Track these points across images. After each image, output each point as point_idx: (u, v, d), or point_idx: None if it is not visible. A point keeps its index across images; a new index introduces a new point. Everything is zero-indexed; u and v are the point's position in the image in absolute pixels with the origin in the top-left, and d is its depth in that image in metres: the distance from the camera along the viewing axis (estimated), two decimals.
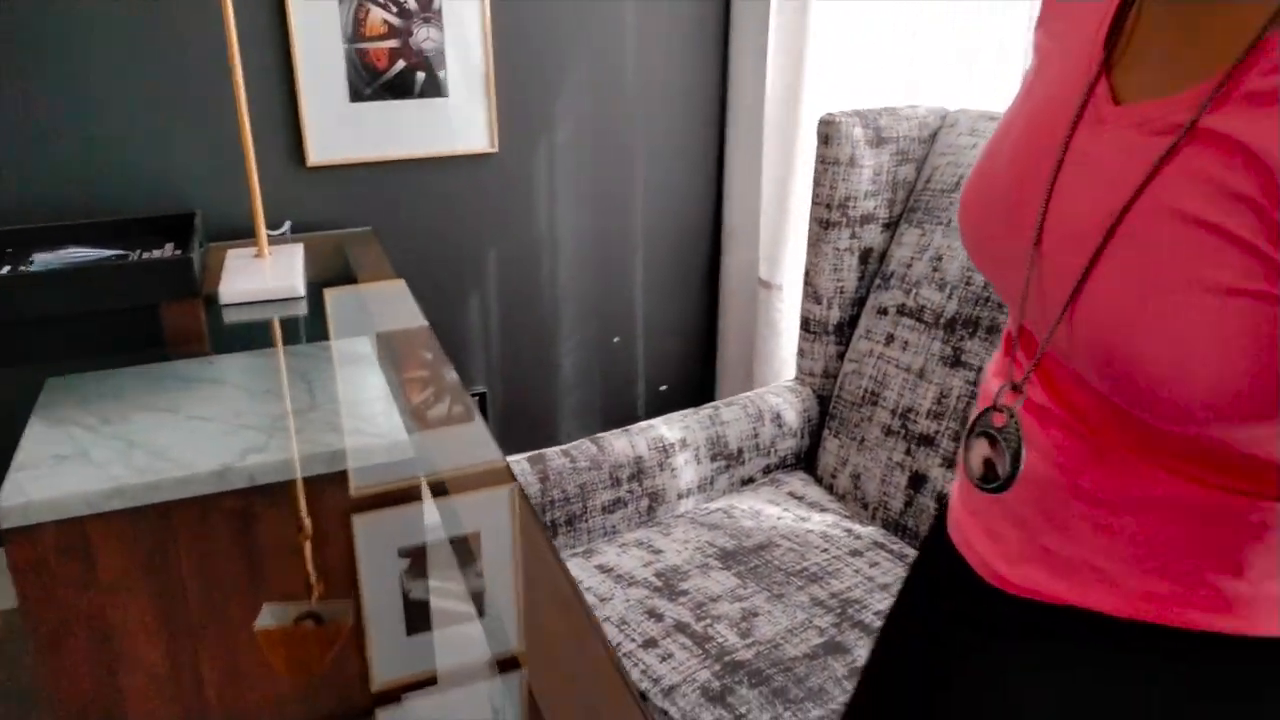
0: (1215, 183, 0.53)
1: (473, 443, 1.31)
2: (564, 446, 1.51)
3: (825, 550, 1.43)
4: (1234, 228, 0.52)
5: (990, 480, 0.67)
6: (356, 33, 1.91)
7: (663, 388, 2.44)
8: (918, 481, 1.47)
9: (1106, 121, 0.62)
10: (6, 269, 1.58)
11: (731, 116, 2.29)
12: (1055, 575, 0.68)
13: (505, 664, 0.94)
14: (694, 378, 2.47)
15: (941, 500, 1.44)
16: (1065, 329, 0.61)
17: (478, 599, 1.08)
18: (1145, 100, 0.59)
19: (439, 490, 1.22)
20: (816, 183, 1.64)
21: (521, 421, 2.29)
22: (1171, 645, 0.64)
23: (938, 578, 0.80)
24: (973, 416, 0.70)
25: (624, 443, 1.53)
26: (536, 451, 1.51)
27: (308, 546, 1.27)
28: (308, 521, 1.30)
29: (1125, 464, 0.63)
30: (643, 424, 1.53)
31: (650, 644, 1.25)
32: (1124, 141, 0.60)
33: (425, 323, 1.57)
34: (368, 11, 1.91)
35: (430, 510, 1.20)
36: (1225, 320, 0.52)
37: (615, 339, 2.36)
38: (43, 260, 1.63)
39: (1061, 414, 0.65)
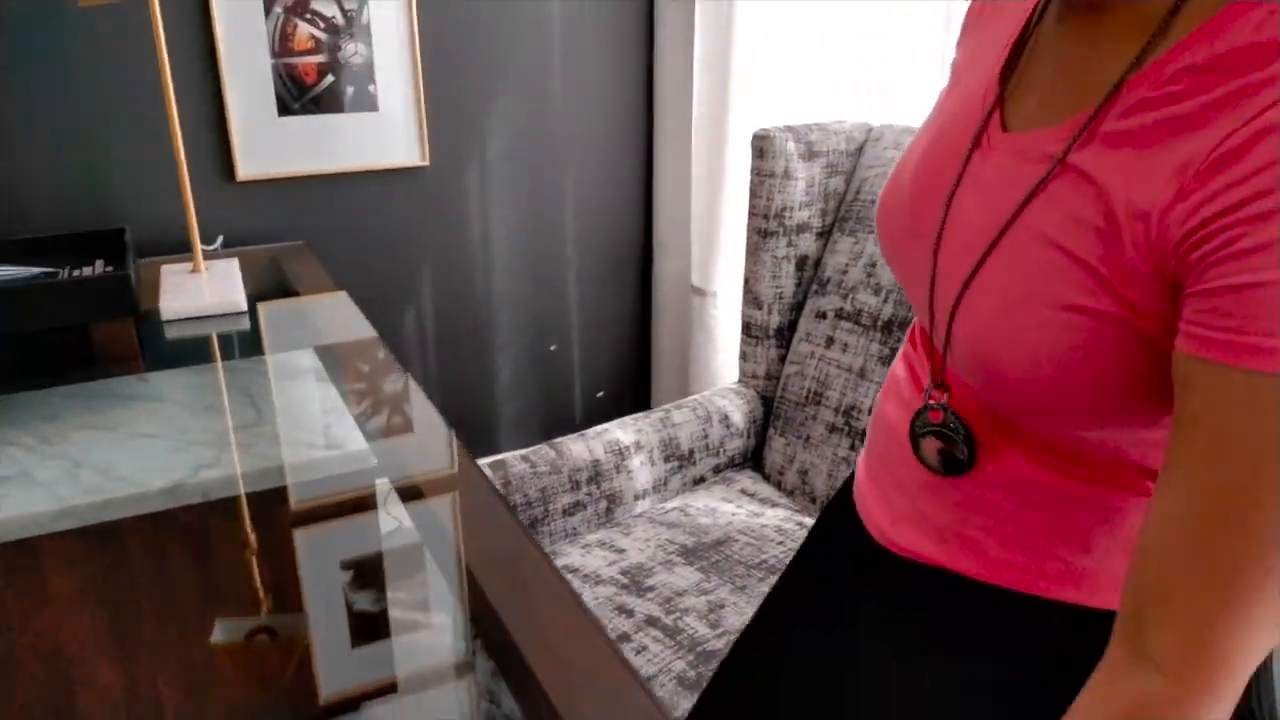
0: (1071, 212, 0.60)
1: (438, 447, 1.32)
2: (522, 451, 1.53)
3: (781, 543, 1.47)
4: (1081, 253, 0.59)
5: (953, 467, 0.73)
6: (283, 47, 1.90)
7: (599, 394, 2.47)
8: None
9: (995, 147, 0.68)
10: None
11: (659, 129, 2.34)
12: (931, 539, 0.76)
13: (506, 663, 0.95)
14: (629, 383, 2.51)
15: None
16: (951, 331, 0.68)
17: (465, 599, 1.09)
18: (1029, 129, 0.66)
19: (409, 495, 1.22)
20: (753, 194, 1.69)
21: (462, 431, 2.29)
22: (1024, 610, 0.72)
23: (837, 534, 0.88)
24: (877, 405, 0.81)
25: (581, 447, 1.55)
26: (496, 457, 1.52)
27: (254, 561, 1.26)
28: (253, 537, 1.29)
29: (996, 450, 0.70)
30: (597, 428, 1.55)
31: (624, 638, 1.27)
32: (1007, 167, 0.66)
33: (374, 332, 1.57)
34: (295, 26, 1.89)
35: (402, 514, 1.20)
36: (1066, 332, 0.60)
37: (552, 346, 2.38)
38: None
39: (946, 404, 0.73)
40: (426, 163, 2.08)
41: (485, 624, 1.00)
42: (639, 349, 2.51)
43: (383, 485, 1.26)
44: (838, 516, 0.90)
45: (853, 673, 0.81)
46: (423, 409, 1.42)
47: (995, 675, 0.74)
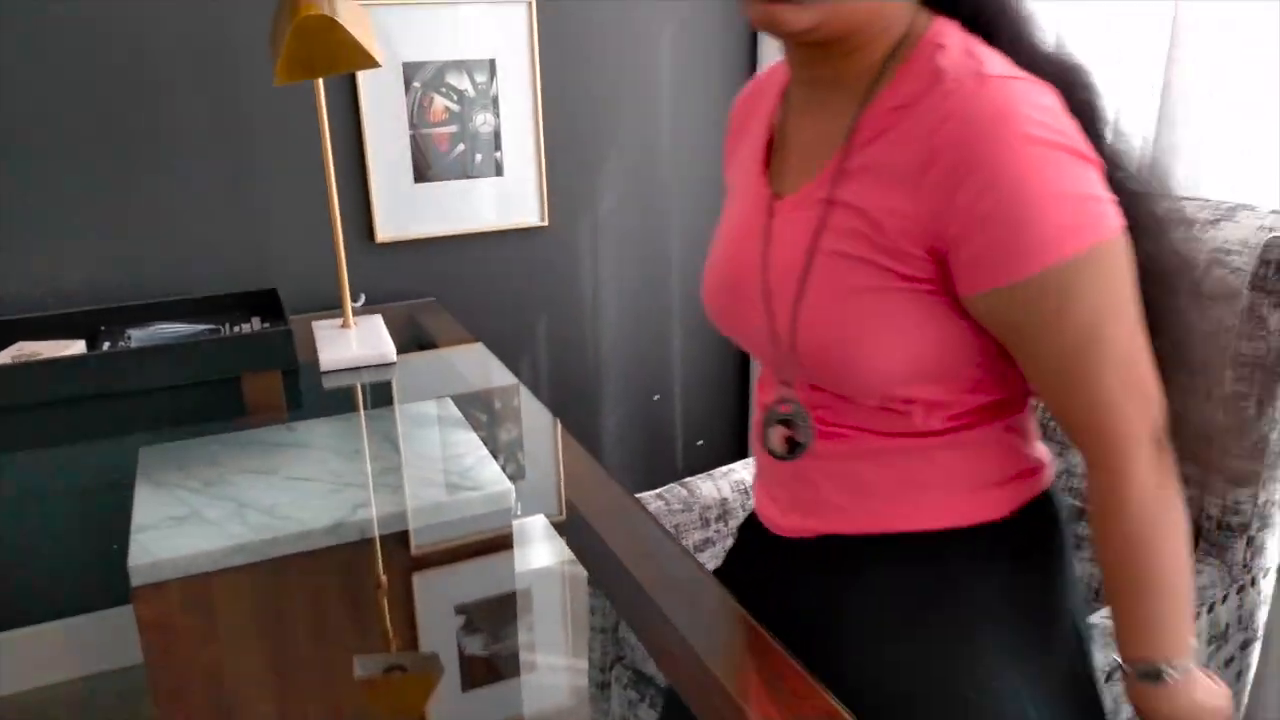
0: (846, 229, 0.81)
1: (592, 484, 1.38)
2: (657, 490, 1.60)
3: None
4: (868, 255, 0.79)
5: (793, 450, 0.91)
6: (420, 118, 2.04)
7: (699, 442, 2.53)
8: None
9: (780, 213, 0.88)
10: (106, 344, 1.66)
11: None
12: (809, 516, 0.94)
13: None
14: (727, 433, 2.57)
15: None
16: (793, 346, 0.86)
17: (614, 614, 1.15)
18: (799, 189, 0.86)
19: (569, 530, 1.28)
20: None
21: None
22: (892, 547, 0.90)
23: (750, 534, 1.07)
24: (757, 417, 0.97)
25: (709, 486, 1.62)
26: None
27: (384, 600, 1.33)
28: (384, 577, 1.36)
29: (840, 434, 0.89)
30: (723, 469, 1.62)
31: None
32: (795, 220, 0.86)
33: (515, 379, 1.66)
34: (431, 99, 2.04)
35: (561, 549, 1.27)
36: (877, 313, 0.80)
37: (655, 397, 2.46)
38: (139, 336, 1.71)
39: (832, 425, 0.91)
40: (546, 223, 2.20)
41: (666, 646, 1.05)
42: (738, 400, 2.58)
43: (537, 521, 1.34)
44: (750, 520, 1.09)
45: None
46: (564, 449, 1.49)
47: (889, 607, 0.91)
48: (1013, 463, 0.90)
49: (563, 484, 1.40)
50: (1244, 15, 1.43)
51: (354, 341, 1.72)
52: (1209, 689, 0.86)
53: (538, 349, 2.30)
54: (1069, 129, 0.75)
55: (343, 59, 1.35)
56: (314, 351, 1.69)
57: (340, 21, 1.30)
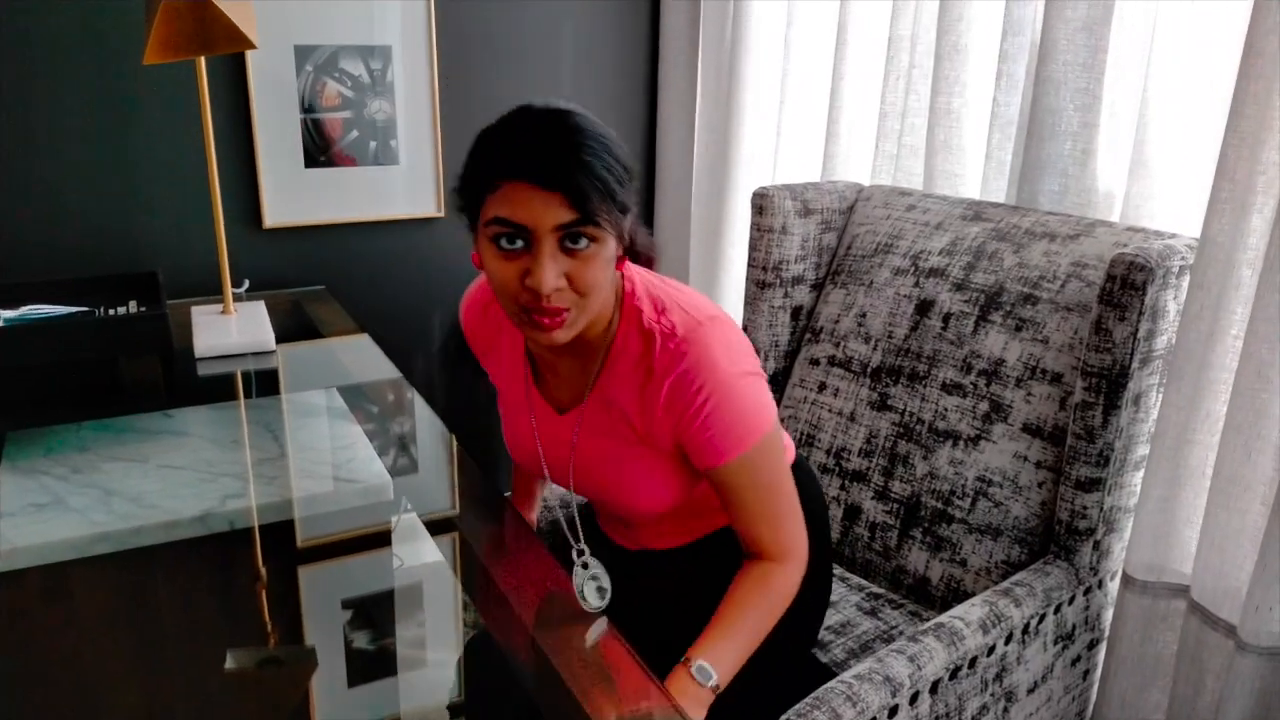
0: (605, 430, 1.16)
1: (460, 479, 1.39)
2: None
3: None
4: (629, 450, 1.15)
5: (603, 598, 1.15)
6: (313, 103, 2.01)
7: None
8: (852, 513, 1.61)
9: (554, 421, 1.21)
10: None
11: (660, 187, 2.45)
12: (647, 540, 1.31)
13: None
14: None
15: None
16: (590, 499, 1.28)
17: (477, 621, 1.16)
18: (565, 410, 1.19)
19: (435, 527, 1.29)
20: (752, 248, 1.79)
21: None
22: (700, 549, 1.28)
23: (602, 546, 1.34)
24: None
25: None
26: (505, 494, 1.60)
27: (263, 594, 1.31)
28: (263, 570, 1.34)
29: (642, 526, 1.29)
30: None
31: None
32: (562, 428, 1.20)
33: (398, 373, 1.65)
34: (324, 84, 2.01)
35: (431, 549, 1.27)
36: (650, 480, 1.16)
37: None
38: (6, 316, 1.66)
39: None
40: (442, 214, 2.18)
41: (515, 639, 1.07)
42: None
43: (405, 518, 1.33)
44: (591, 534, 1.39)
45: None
46: (442, 445, 1.49)
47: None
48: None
49: (439, 480, 1.40)
50: (1116, 32, 1.49)
51: (233, 328, 1.70)
52: (702, 703, 1.08)
53: (433, 341, 2.29)
54: (743, 350, 1.12)
55: (217, 40, 1.32)
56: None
57: (213, 1, 1.27)
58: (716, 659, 1.08)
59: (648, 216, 2.48)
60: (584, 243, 0.99)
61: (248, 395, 1.67)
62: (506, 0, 2.15)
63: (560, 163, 0.96)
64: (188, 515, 1.29)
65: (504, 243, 1.00)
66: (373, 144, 2.08)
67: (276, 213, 2.03)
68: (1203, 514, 1.36)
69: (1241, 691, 1.30)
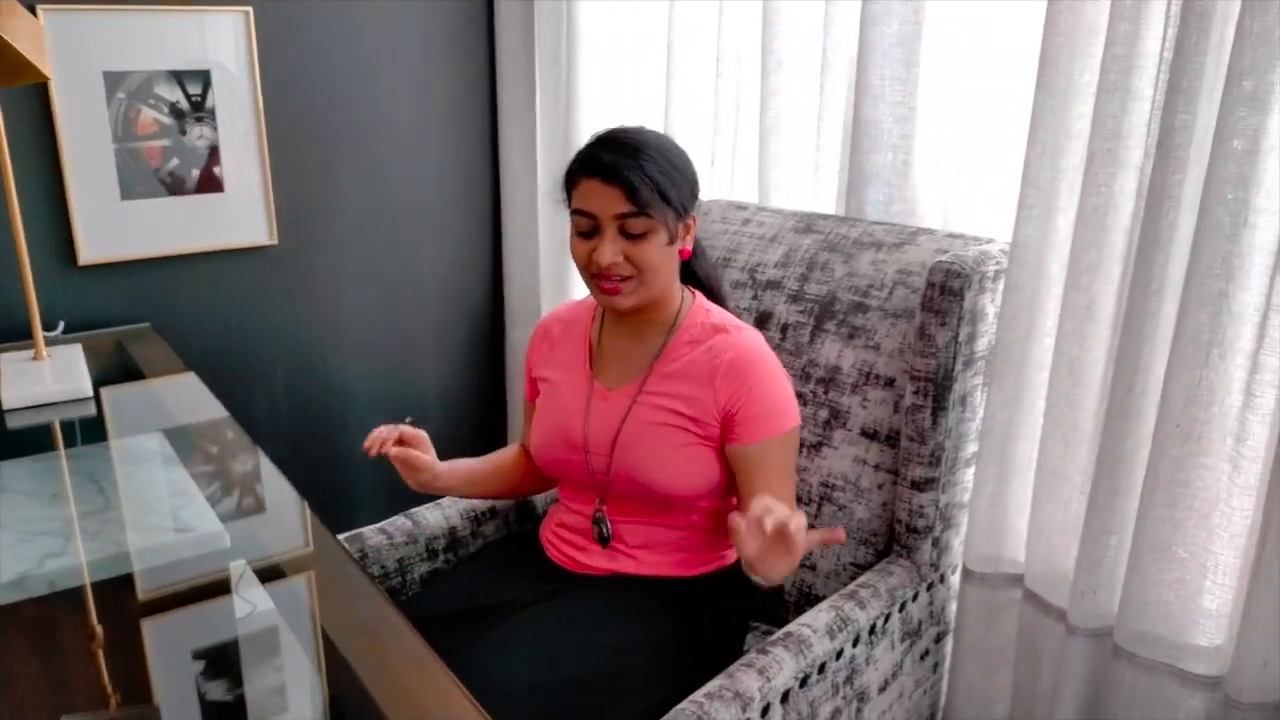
0: (660, 407, 1.34)
1: (294, 525, 1.34)
2: (380, 524, 1.56)
3: None
4: (678, 422, 1.32)
5: (603, 540, 1.40)
6: (127, 131, 1.91)
7: (408, 419, 2.50)
8: None
9: (607, 397, 1.38)
10: None
11: (505, 202, 2.42)
12: (603, 560, 1.41)
13: None
14: (488, 450, 2.54)
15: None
16: (610, 479, 1.37)
17: (324, 673, 1.11)
18: (622, 386, 1.38)
19: (267, 575, 1.24)
20: None
21: (318, 508, 2.27)
22: (668, 587, 1.38)
23: (526, 560, 1.48)
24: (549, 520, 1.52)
25: (437, 515, 1.60)
26: (353, 531, 1.55)
27: (101, 653, 1.24)
28: (99, 629, 1.27)
29: (629, 528, 1.40)
30: (452, 496, 1.59)
31: None
32: (616, 400, 1.38)
33: (225, 412, 1.58)
34: (138, 111, 1.91)
35: (260, 595, 1.22)
36: (683, 456, 1.32)
37: (408, 419, 2.40)
38: None
39: (630, 517, 1.40)
40: (275, 241, 2.11)
41: (348, 693, 1.04)
42: (496, 417, 2.57)
43: (238, 567, 1.28)
44: (532, 550, 1.50)
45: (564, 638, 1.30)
46: (277, 487, 1.44)
47: (656, 629, 1.33)
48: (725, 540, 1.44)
49: (278, 521, 1.35)
50: (927, 47, 1.55)
51: (46, 375, 1.59)
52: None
53: (272, 375, 2.20)
54: (772, 356, 1.35)
55: (5, 71, 1.23)
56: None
57: None
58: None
59: (495, 231, 2.45)
60: (639, 230, 1.26)
61: (68, 444, 1.57)
62: (331, 14, 2.09)
63: (621, 164, 1.24)
64: (1, 580, 1.20)
65: (581, 227, 1.29)
66: (195, 171, 1.99)
67: (92, 248, 1.91)
68: (1030, 506, 1.43)
69: (1074, 672, 1.37)
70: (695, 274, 1.43)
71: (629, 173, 1.24)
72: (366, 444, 1.42)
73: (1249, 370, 1.15)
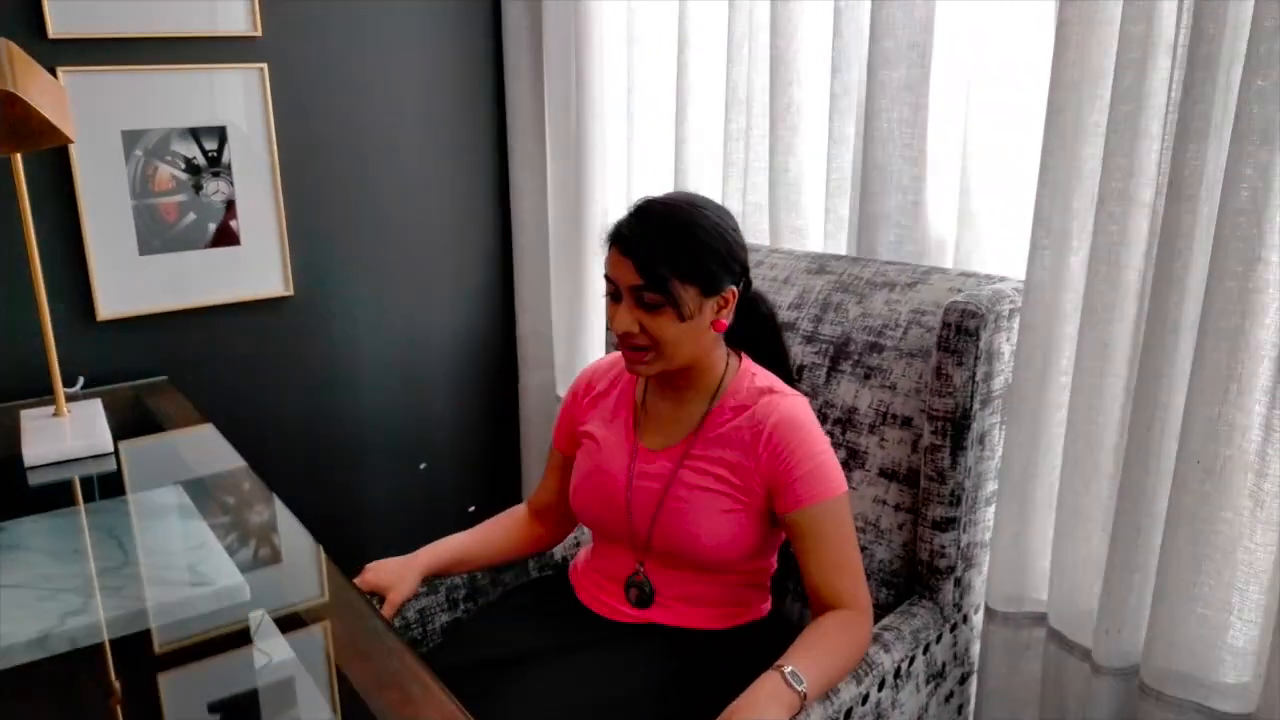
0: (703, 472, 1.33)
1: (313, 575, 1.34)
2: None
3: None
4: (717, 488, 1.32)
5: (642, 601, 1.40)
6: (144, 188, 1.93)
7: (471, 509, 2.50)
8: None
9: (651, 460, 1.38)
10: None
11: (518, 248, 2.44)
12: (668, 608, 1.40)
13: None
14: (501, 497, 2.55)
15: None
16: (650, 542, 1.36)
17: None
18: (665, 449, 1.37)
19: (287, 625, 1.24)
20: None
21: (335, 556, 2.28)
22: (711, 639, 1.38)
23: (557, 605, 1.47)
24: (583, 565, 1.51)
25: None
26: None
27: (119, 710, 1.24)
28: (117, 685, 1.27)
29: (669, 591, 1.39)
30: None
31: None
32: (659, 462, 1.37)
33: (242, 462, 1.59)
34: (155, 168, 1.94)
35: (281, 646, 1.22)
36: (727, 522, 1.31)
37: (422, 465, 2.42)
38: None
39: (668, 576, 1.39)
40: (291, 292, 2.13)
41: None
42: (509, 463, 2.57)
43: (256, 618, 1.27)
44: (556, 594, 1.50)
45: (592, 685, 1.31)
46: (296, 537, 1.44)
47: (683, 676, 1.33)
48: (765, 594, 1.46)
49: (297, 572, 1.35)
50: (935, 90, 1.57)
51: (67, 432, 1.60)
52: (791, 707, 1.17)
53: (287, 425, 2.21)
54: (815, 423, 1.33)
55: (31, 135, 1.26)
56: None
57: (21, 95, 1.21)
58: (805, 670, 1.18)
59: (506, 276, 2.47)
60: (653, 302, 1.25)
61: (87, 500, 1.58)
62: (345, 69, 2.12)
63: (638, 239, 1.25)
64: (23, 639, 1.21)
65: (608, 292, 1.31)
66: (211, 226, 2.01)
67: (111, 304, 1.94)
68: (1052, 544, 1.42)
69: (1100, 712, 1.35)
70: (750, 336, 1.41)
71: (643, 248, 1.24)
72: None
73: (1268, 405, 1.15)
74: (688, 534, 1.33)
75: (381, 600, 1.41)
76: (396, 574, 1.42)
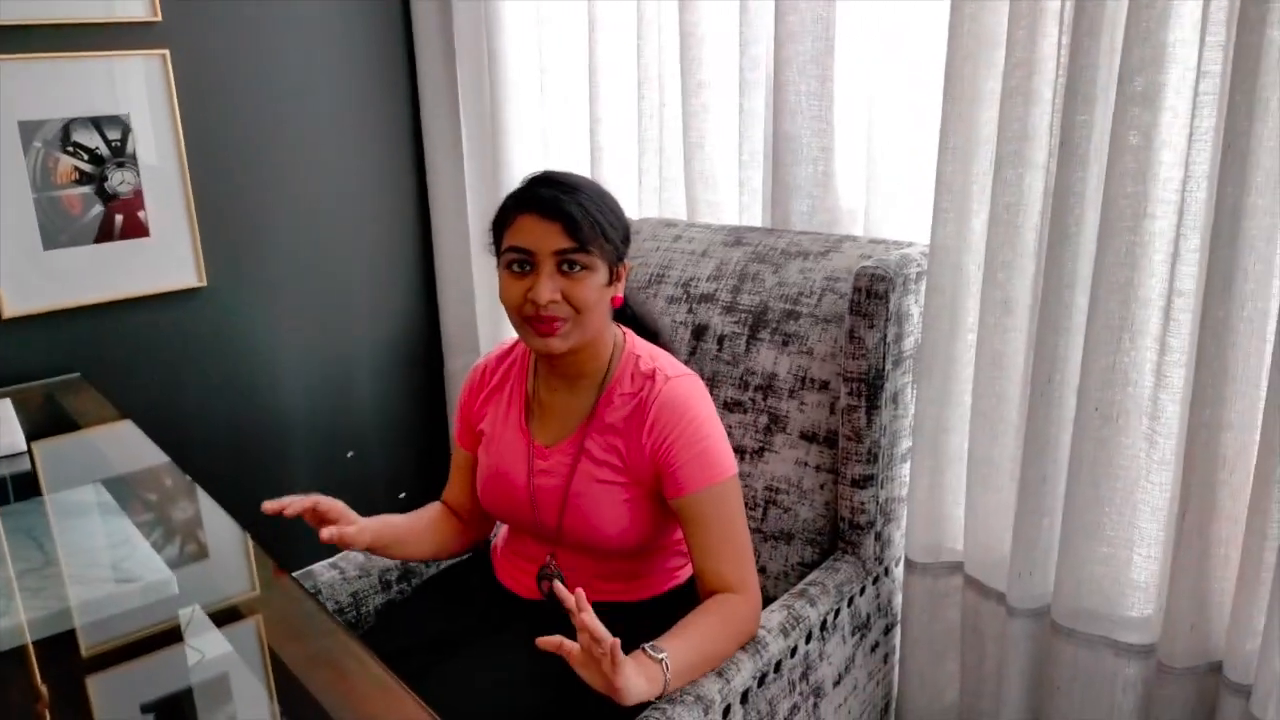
0: (599, 463, 1.32)
1: (246, 566, 1.33)
2: (331, 559, 1.56)
3: None
4: (617, 478, 1.31)
5: (551, 597, 1.36)
6: (46, 181, 1.88)
7: (401, 495, 2.49)
8: None
9: (547, 457, 1.36)
10: None
11: (437, 231, 2.43)
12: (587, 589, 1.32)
13: None
14: (430, 482, 2.54)
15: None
16: (560, 532, 1.35)
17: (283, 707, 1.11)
18: (559, 442, 1.36)
19: (221, 619, 1.23)
20: None
21: (266, 547, 2.25)
22: (631, 610, 1.36)
23: (478, 586, 1.49)
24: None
25: None
26: (305, 569, 1.54)
27: (46, 715, 1.22)
28: (44, 689, 1.25)
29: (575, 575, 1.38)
30: (375, 555, 1.59)
31: None
32: (557, 458, 1.35)
33: (165, 458, 1.57)
34: (56, 160, 1.89)
35: (217, 639, 1.21)
36: (628, 510, 1.31)
37: (349, 454, 2.40)
38: None
39: (580, 561, 1.38)
40: (204, 283, 2.09)
41: None
42: (438, 448, 2.57)
43: (187, 613, 1.26)
44: (480, 575, 1.51)
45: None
46: (224, 529, 1.43)
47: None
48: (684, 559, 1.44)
49: (227, 565, 1.34)
50: (839, 63, 1.61)
51: None
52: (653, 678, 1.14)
53: (209, 418, 2.17)
54: (712, 405, 1.32)
55: None
56: None
57: None
58: (672, 649, 1.16)
59: (428, 261, 2.46)
60: (578, 267, 1.23)
61: (2, 502, 1.54)
62: (249, 52, 2.09)
63: (561, 200, 1.23)
64: None
65: (515, 266, 1.25)
66: (119, 218, 1.97)
67: (17, 300, 1.88)
68: (965, 495, 1.48)
69: (1016, 652, 1.42)
70: (627, 315, 1.41)
71: (569, 207, 1.22)
72: (269, 506, 1.31)
73: (1158, 352, 1.22)
74: (592, 528, 1.33)
75: (315, 592, 1.40)
76: (353, 520, 1.35)
